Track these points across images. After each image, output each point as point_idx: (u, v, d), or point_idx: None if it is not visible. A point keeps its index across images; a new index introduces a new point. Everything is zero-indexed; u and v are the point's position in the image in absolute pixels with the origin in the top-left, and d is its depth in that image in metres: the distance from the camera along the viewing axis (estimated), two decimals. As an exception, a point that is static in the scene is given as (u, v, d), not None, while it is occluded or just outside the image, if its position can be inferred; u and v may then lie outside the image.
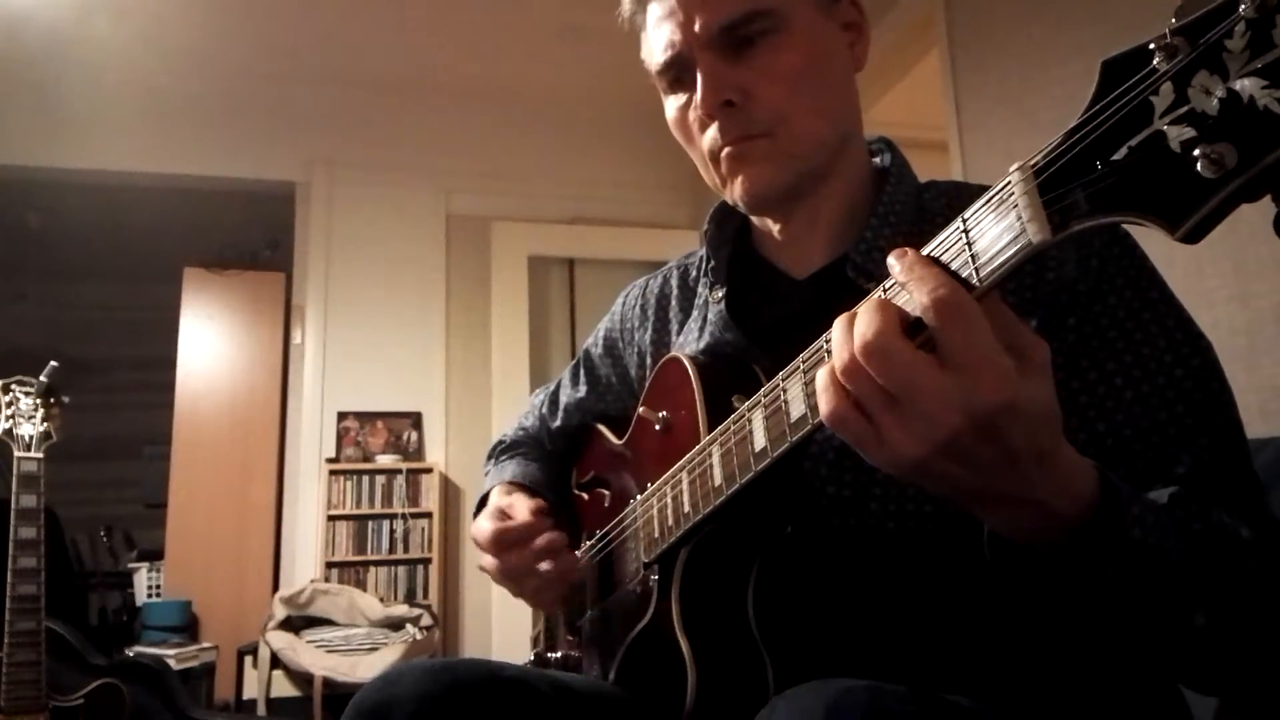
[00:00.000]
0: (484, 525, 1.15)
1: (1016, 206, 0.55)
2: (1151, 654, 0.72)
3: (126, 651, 3.72)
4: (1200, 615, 0.68)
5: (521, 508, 1.16)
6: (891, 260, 0.62)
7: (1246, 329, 2.05)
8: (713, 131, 0.96)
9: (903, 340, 0.59)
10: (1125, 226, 0.87)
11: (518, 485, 1.27)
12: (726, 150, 0.95)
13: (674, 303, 1.19)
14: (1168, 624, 0.68)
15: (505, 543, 1.12)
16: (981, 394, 0.57)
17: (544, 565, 1.10)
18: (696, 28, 0.93)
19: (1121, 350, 0.83)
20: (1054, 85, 2.67)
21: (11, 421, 2.30)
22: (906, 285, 0.60)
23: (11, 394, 2.34)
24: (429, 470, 4.48)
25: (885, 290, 0.64)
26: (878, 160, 1.06)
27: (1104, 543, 0.65)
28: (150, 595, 4.53)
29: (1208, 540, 0.71)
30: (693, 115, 0.97)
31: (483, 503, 1.29)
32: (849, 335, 0.61)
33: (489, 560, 1.15)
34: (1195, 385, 0.82)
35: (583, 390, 1.32)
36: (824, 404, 0.63)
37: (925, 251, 0.63)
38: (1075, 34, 2.57)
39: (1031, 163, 0.54)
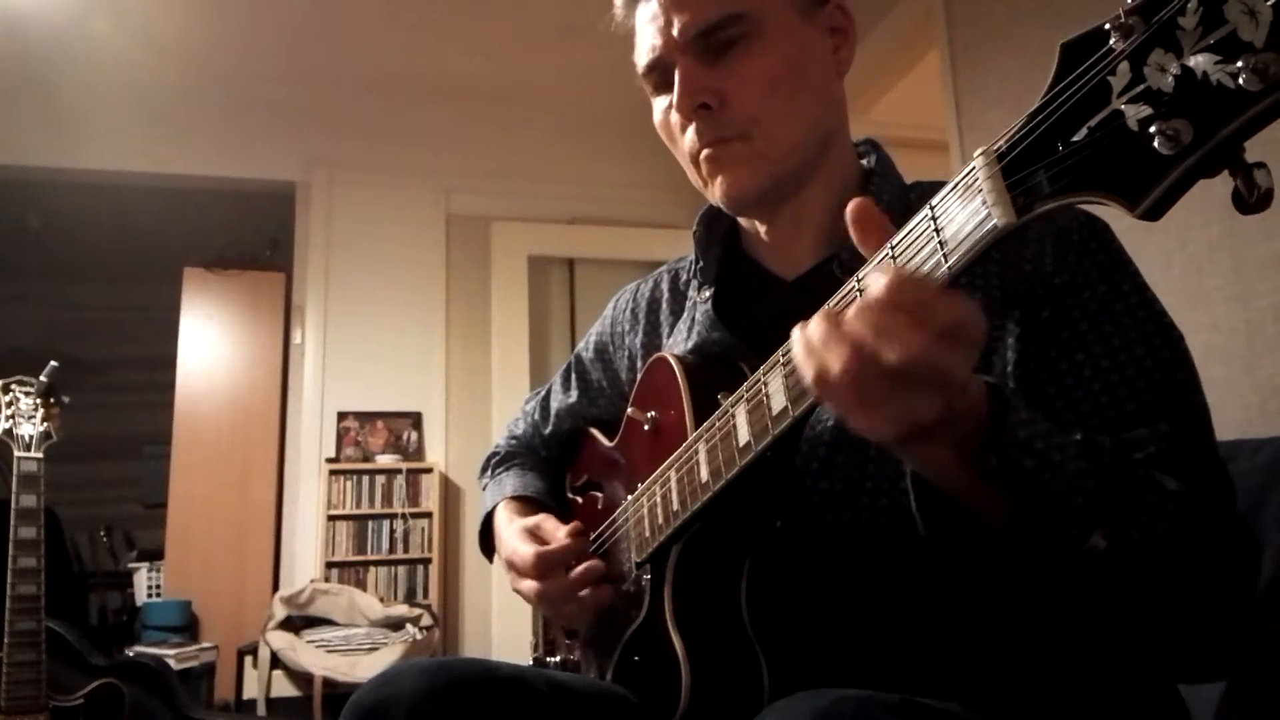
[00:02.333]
0: (522, 549, 1.12)
1: (981, 191, 0.55)
2: (1055, 581, 0.72)
3: (126, 651, 3.72)
4: (1099, 536, 0.68)
5: (553, 528, 1.13)
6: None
7: (1246, 329, 2.04)
8: (690, 134, 0.97)
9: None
10: (1100, 214, 0.88)
11: (521, 499, 1.27)
12: (704, 153, 0.97)
13: (664, 305, 1.20)
14: (1068, 539, 0.68)
15: (548, 566, 1.09)
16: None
17: (585, 593, 1.07)
18: (675, 31, 0.94)
19: (1091, 341, 0.83)
20: (1053, 84, 2.64)
21: (11, 421, 2.30)
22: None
23: (11, 394, 2.34)
24: (429, 470, 4.48)
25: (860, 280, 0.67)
26: (865, 162, 1.06)
27: (990, 438, 0.66)
28: (150, 595, 4.53)
29: (1118, 471, 0.72)
30: (674, 117, 0.98)
31: (488, 520, 1.30)
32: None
33: (529, 585, 1.11)
34: (1163, 376, 0.82)
35: (574, 395, 1.33)
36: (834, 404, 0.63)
37: (896, 239, 0.63)
38: (1075, 33, 2.56)
39: (995, 147, 0.55)
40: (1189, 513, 0.73)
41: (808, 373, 0.63)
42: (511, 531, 1.18)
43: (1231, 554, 0.75)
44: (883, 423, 0.62)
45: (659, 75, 0.99)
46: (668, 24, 0.94)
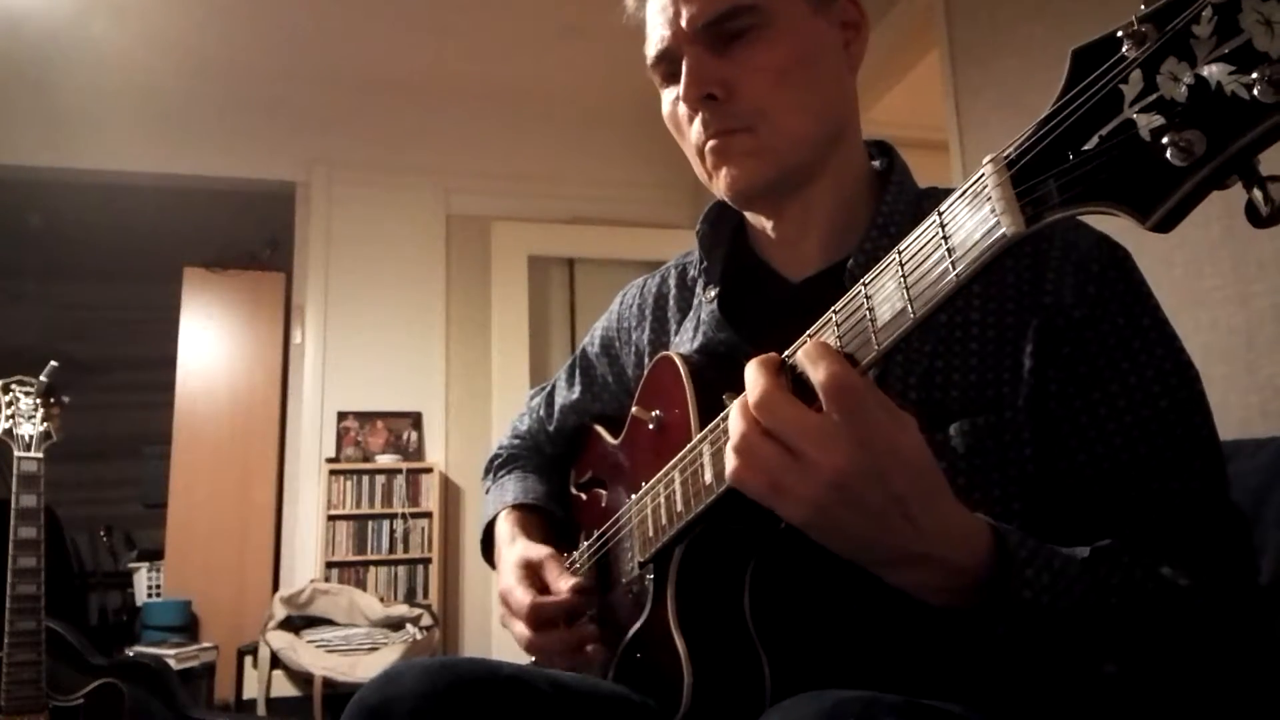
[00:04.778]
0: (519, 594, 1.10)
1: (990, 199, 0.55)
2: (1065, 694, 0.73)
3: (126, 651, 3.72)
4: (1111, 665, 0.70)
5: (554, 576, 1.11)
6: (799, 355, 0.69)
7: (1246, 329, 2.04)
8: (697, 125, 0.96)
9: (783, 392, 0.67)
10: (1107, 223, 0.88)
11: (521, 509, 1.26)
12: (710, 144, 0.96)
13: (672, 302, 1.19)
14: (1074, 671, 0.70)
15: (544, 620, 1.07)
16: (861, 434, 0.64)
17: (576, 649, 1.06)
18: (684, 22, 0.94)
19: (1108, 380, 0.84)
20: (1054, 85, 2.62)
21: (11, 421, 2.30)
22: (806, 367, 0.67)
23: (11, 394, 2.34)
24: (429, 470, 4.48)
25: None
26: (876, 164, 1.06)
27: (994, 601, 0.68)
28: (150, 595, 4.52)
29: (1126, 594, 0.73)
30: (681, 109, 0.98)
31: (489, 529, 1.29)
32: (743, 404, 0.69)
33: (520, 631, 1.10)
34: (1178, 418, 0.82)
35: (578, 391, 1.32)
36: (728, 471, 0.69)
37: (903, 245, 0.63)
38: (1076, 34, 2.55)
39: (1004, 155, 0.54)
40: (1206, 604, 0.74)
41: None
42: (510, 560, 1.16)
43: (1247, 633, 0.77)
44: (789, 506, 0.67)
45: (667, 66, 0.98)
46: (676, 15, 0.94)
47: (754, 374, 0.69)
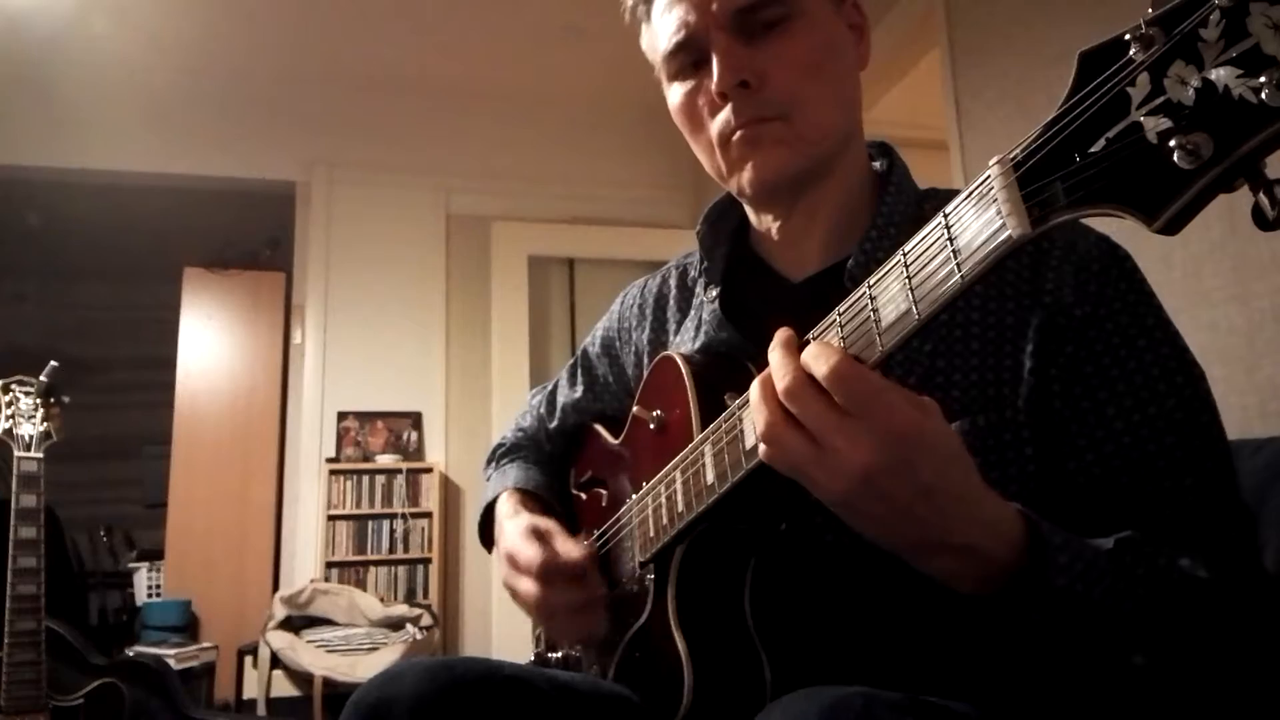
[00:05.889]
0: (528, 550, 1.07)
1: (996, 201, 0.55)
2: (1092, 687, 0.74)
3: (126, 651, 3.71)
4: (1139, 656, 0.71)
5: (564, 540, 1.09)
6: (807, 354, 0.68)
7: (1246, 329, 2.04)
8: (725, 114, 0.95)
9: (810, 381, 0.66)
10: (1111, 224, 0.88)
11: (523, 492, 1.26)
12: (739, 134, 0.95)
13: (672, 302, 1.19)
14: (1104, 663, 0.71)
15: (553, 574, 1.05)
16: (884, 424, 0.63)
17: (582, 610, 1.04)
18: (714, 8, 0.93)
19: (1115, 378, 0.84)
20: (1054, 85, 2.62)
21: (11, 421, 2.30)
22: (810, 368, 0.66)
23: (11, 394, 2.34)
24: (429, 470, 4.48)
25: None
26: (876, 165, 1.06)
27: (1029, 588, 0.68)
28: (150, 595, 4.53)
29: (1151, 584, 0.73)
30: (703, 99, 0.97)
31: (489, 510, 1.29)
32: (792, 360, 0.68)
33: (528, 586, 1.06)
34: (1186, 417, 0.82)
35: (579, 391, 1.32)
36: (762, 453, 0.70)
37: (908, 246, 0.64)
38: (1076, 34, 2.55)
39: (1010, 156, 0.54)
40: (1223, 598, 0.75)
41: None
42: (517, 526, 1.14)
43: (1263, 627, 0.77)
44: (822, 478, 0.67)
45: (687, 55, 0.97)
46: (705, 1, 0.93)
47: (779, 358, 0.69)
